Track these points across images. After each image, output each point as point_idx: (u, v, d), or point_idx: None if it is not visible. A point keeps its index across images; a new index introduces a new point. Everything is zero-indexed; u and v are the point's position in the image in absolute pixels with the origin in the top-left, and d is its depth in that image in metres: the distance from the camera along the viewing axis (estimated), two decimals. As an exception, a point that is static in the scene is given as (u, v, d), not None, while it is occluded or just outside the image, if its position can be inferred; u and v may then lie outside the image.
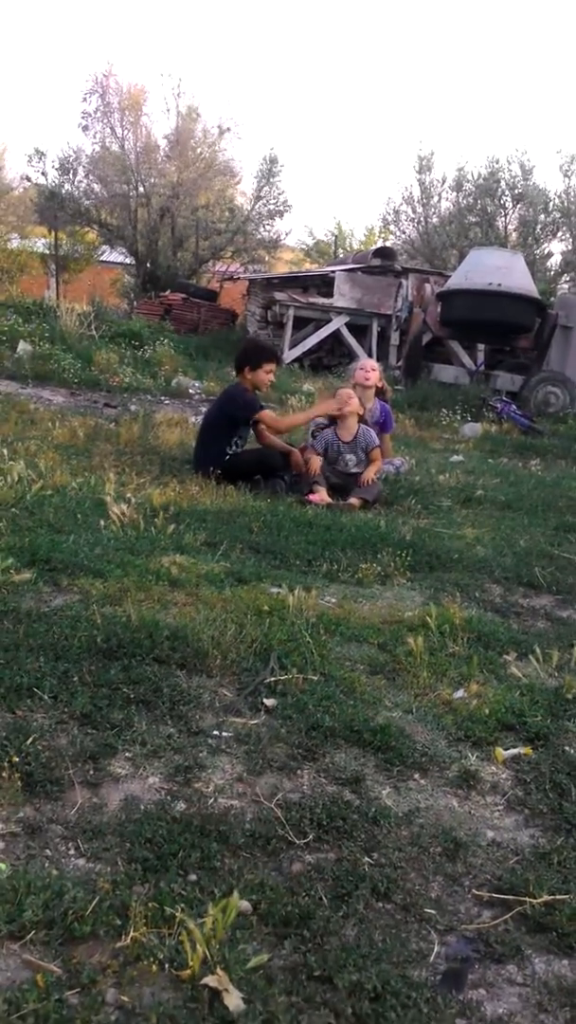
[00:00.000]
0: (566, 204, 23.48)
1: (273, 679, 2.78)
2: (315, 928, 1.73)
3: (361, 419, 6.20)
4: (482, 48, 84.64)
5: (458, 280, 14.05)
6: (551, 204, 23.52)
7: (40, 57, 72.68)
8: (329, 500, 5.65)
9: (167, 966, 1.58)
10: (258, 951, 1.65)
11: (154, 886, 1.78)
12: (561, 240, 24.17)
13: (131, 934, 1.62)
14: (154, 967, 1.57)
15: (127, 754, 2.28)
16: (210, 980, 1.53)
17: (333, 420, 6.16)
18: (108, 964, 1.56)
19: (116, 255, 26.48)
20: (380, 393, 6.87)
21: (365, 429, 6.17)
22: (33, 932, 1.61)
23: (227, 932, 1.64)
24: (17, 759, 2.12)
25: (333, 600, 3.71)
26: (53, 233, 24.56)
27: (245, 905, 1.74)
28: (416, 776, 2.40)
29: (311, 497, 5.66)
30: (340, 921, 1.77)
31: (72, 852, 1.88)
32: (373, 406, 6.72)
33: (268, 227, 24.29)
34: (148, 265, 23.20)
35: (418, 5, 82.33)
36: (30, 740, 2.22)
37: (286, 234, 25.35)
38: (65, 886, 1.72)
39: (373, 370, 6.71)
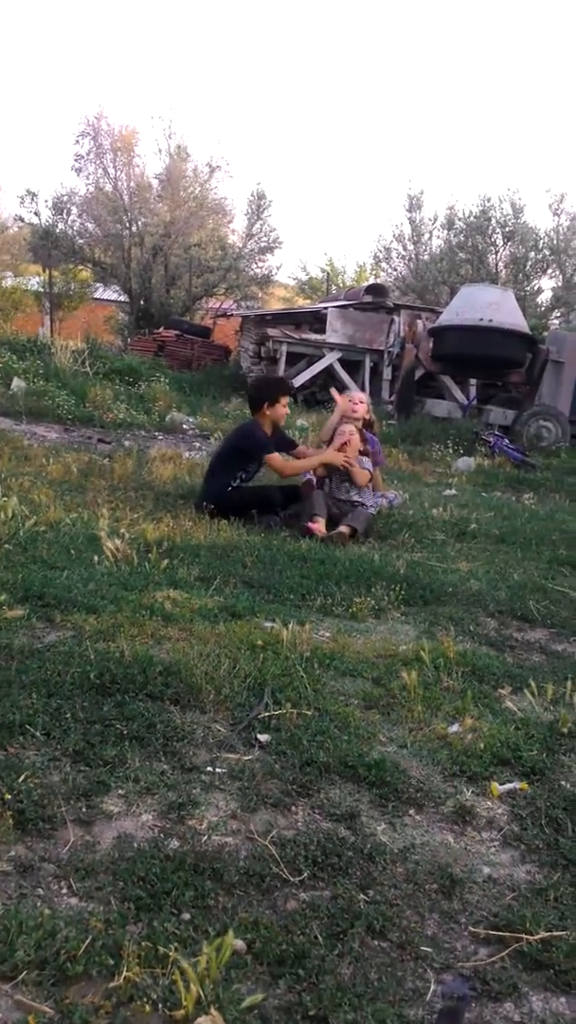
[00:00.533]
0: (555, 242, 23.77)
1: (267, 714, 2.77)
2: (310, 967, 1.71)
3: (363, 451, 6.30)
4: (472, 88, 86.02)
5: (449, 316, 14.18)
6: (541, 242, 23.81)
7: (32, 100, 73.65)
8: (324, 532, 5.66)
9: (160, 1006, 1.56)
10: (253, 991, 1.63)
11: (147, 925, 1.76)
12: (551, 277, 24.44)
13: (124, 974, 1.60)
14: (147, 1007, 1.55)
15: (120, 791, 2.26)
16: (204, 1020, 1.51)
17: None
18: (101, 1004, 1.54)
19: (110, 293, 26.69)
20: (368, 426, 6.92)
21: (361, 459, 6.27)
22: (25, 972, 1.59)
23: (221, 971, 1.62)
24: (9, 796, 2.10)
25: (327, 634, 3.71)
26: (47, 271, 24.76)
27: (239, 944, 1.73)
28: (411, 812, 2.39)
29: (310, 526, 5.67)
30: (335, 960, 1.75)
31: (65, 891, 1.87)
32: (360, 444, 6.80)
33: (260, 263, 24.54)
34: (142, 302, 23.38)
35: (409, 44, 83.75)
36: (22, 777, 2.20)
37: (277, 269, 25.60)
38: (57, 925, 1.70)
39: (361, 402, 6.78)
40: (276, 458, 6.06)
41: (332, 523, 5.85)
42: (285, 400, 6.18)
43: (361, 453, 6.30)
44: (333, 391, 7.38)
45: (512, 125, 78.04)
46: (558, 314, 24.18)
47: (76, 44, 77.77)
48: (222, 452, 6.28)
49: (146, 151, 36.40)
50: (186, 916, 1.81)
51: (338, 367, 15.91)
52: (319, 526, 5.70)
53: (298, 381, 15.67)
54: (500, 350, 13.49)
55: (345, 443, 6.17)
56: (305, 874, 2.03)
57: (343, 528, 5.71)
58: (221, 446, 6.46)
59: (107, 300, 27.55)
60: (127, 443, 9.27)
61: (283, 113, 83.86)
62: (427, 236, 25.84)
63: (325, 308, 16.82)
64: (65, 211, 23.76)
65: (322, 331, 16.04)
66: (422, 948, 1.83)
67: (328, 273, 30.14)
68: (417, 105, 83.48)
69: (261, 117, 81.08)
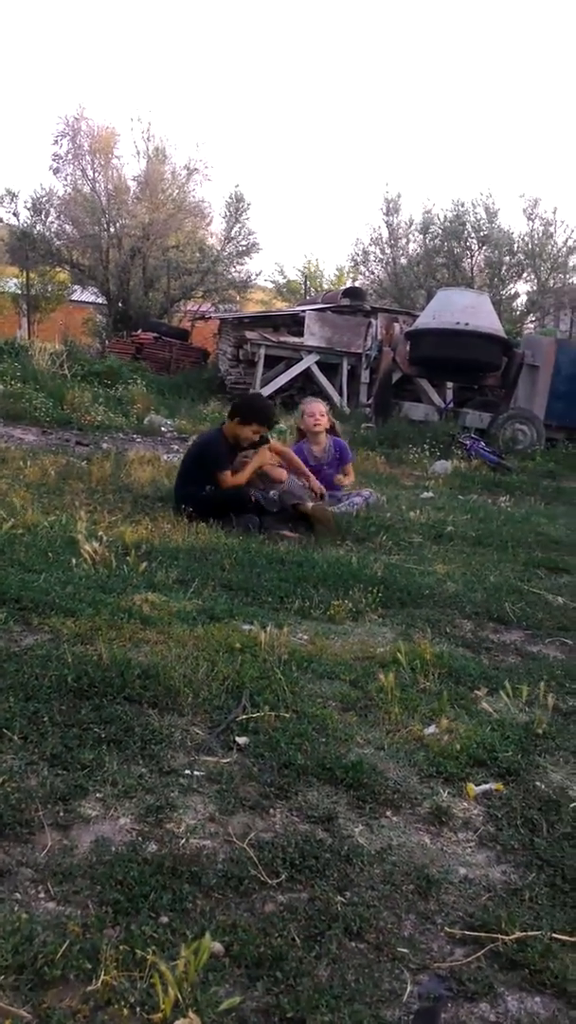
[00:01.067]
0: (530, 246, 23.94)
1: (245, 717, 2.78)
2: (288, 969, 1.72)
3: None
4: (448, 91, 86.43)
5: (426, 320, 14.24)
6: (516, 246, 23.98)
7: (11, 100, 73.32)
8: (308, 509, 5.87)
9: (138, 1010, 1.56)
10: (230, 993, 1.64)
11: (125, 929, 1.76)
12: (526, 281, 24.64)
13: (102, 978, 1.60)
14: (125, 1011, 1.55)
15: (98, 795, 2.26)
16: (182, 1023, 1.52)
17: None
18: (79, 1009, 1.54)
19: (88, 295, 26.60)
20: (331, 430, 6.97)
21: (331, 456, 6.70)
22: (2, 977, 1.59)
23: (199, 974, 1.62)
24: (-14, 801, 2.10)
25: (305, 637, 3.72)
26: (25, 273, 24.66)
27: (217, 947, 1.73)
28: (388, 813, 2.40)
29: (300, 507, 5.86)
30: (313, 961, 1.76)
31: (42, 895, 1.86)
32: (327, 445, 6.83)
33: (239, 266, 24.56)
34: (120, 305, 23.34)
35: (386, 49, 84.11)
36: (-1, 781, 2.20)
37: (256, 274, 25.66)
38: (35, 930, 1.70)
39: (322, 415, 6.81)
40: (225, 477, 5.96)
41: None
42: (255, 429, 6.09)
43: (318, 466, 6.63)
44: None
45: (487, 129, 78.55)
46: (533, 318, 24.37)
47: (56, 44, 77.53)
48: (188, 464, 6.20)
49: (125, 153, 36.21)
50: (164, 919, 1.81)
51: (316, 370, 15.95)
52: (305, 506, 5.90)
53: (276, 384, 15.71)
54: (476, 354, 13.55)
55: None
56: (283, 876, 2.03)
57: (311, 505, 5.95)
58: (187, 456, 6.38)
59: (85, 302, 27.47)
60: (105, 446, 9.24)
61: (262, 117, 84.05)
62: (404, 240, 25.96)
63: (303, 311, 16.87)
64: (43, 212, 23.68)
65: (300, 334, 16.08)
66: (399, 949, 1.84)
67: (306, 276, 30.20)
68: (394, 108, 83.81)
69: (240, 121, 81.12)
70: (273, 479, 6.12)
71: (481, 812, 2.46)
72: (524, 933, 1.91)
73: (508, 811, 2.46)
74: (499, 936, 1.90)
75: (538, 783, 2.63)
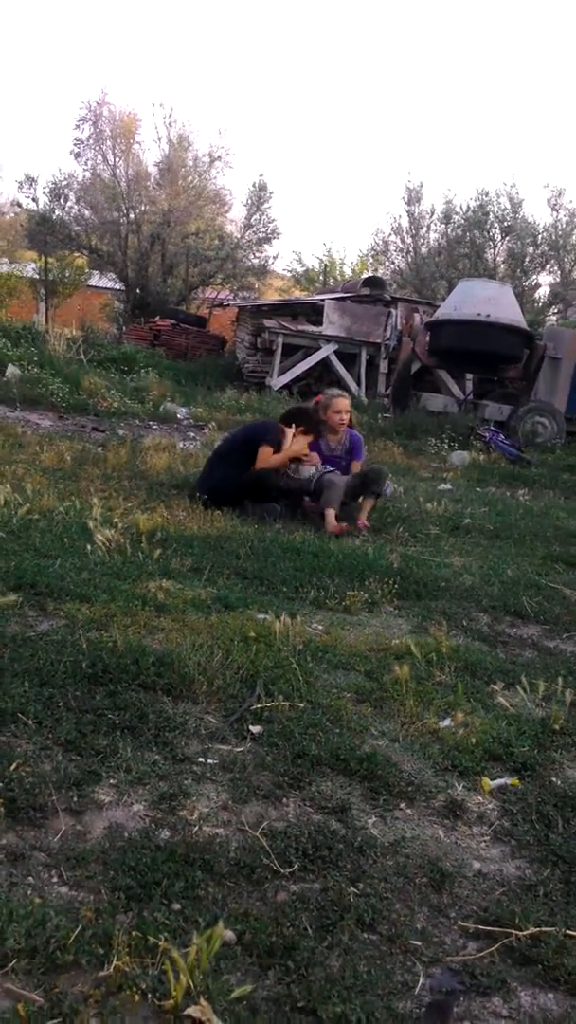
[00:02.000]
0: (554, 237, 23.75)
1: (259, 706, 2.77)
2: (300, 959, 1.71)
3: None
4: (471, 81, 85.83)
5: (447, 310, 14.16)
6: (539, 237, 23.79)
7: (32, 84, 73.29)
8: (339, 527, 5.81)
9: (150, 996, 1.56)
10: (242, 981, 1.63)
11: (137, 915, 1.76)
12: (549, 272, 24.43)
13: (114, 963, 1.60)
14: (137, 997, 1.55)
15: (111, 781, 2.26)
16: (193, 1011, 1.51)
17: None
18: (90, 994, 1.54)
19: (106, 280, 26.57)
20: (349, 422, 6.91)
21: (352, 433, 6.70)
22: (15, 961, 1.59)
23: (211, 962, 1.62)
24: (1, 785, 2.10)
25: (320, 627, 3.71)
26: (43, 258, 24.66)
27: (229, 935, 1.73)
28: (402, 805, 2.39)
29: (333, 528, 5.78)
30: (325, 952, 1.75)
31: (55, 880, 1.86)
32: (343, 437, 6.76)
33: (258, 254, 24.47)
34: (138, 291, 23.30)
35: (409, 37, 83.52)
36: (14, 766, 2.20)
37: (274, 259, 25.52)
38: (48, 914, 1.70)
39: (347, 412, 6.74)
40: (268, 452, 6.04)
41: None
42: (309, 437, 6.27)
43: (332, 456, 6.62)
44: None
45: (511, 119, 78.00)
46: (556, 310, 24.19)
47: (79, 29, 77.39)
48: (233, 443, 6.28)
49: (146, 139, 36.14)
50: (176, 906, 1.81)
51: (334, 359, 15.88)
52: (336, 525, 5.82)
53: (294, 373, 15.67)
54: (497, 345, 13.47)
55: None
56: (295, 866, 2.03)
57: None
58: (231, 439, 6.47)
59: (103, 288, 27.45)
60: (121, 432, 9.24)
61: (284, 105, 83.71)
62: (425, 229, 25.79)
63: (322, 300, 16.78)
64: (62, 197, 23.64)
65: (319, 323, 16.00)
66: (411, 941, 1.84)
67: (326, 265, 30.09)
68: (417, 97, 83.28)
69: (262, 108, 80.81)
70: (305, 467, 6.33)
71: (496, 807, 2.45)
72: (538, 929, 1.90)
73: (523, 806, 2.44)
74: (513, 931, 1.89)
75: (554, 779, 2.62)
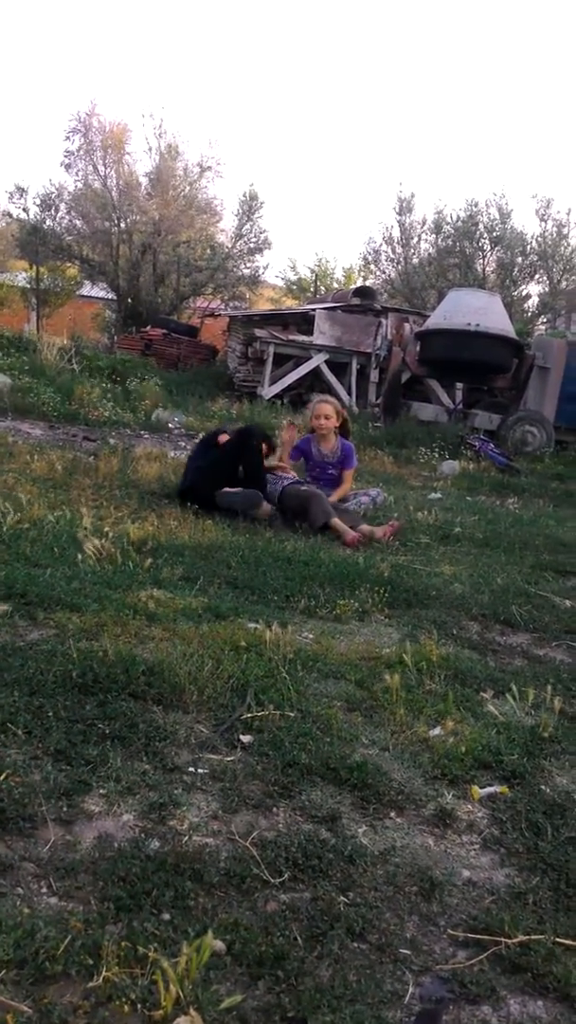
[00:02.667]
0: (543, 247, 23.89)
1: (249, 715, 2.77)
2: (289, 968, 1.71)
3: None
4: (461, 92, 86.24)
5: (437, 320, 14.22)
6: (528, 247, 23.93)
7: (22, 95, 73.40)
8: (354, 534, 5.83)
9: (139, 1006, 1.55)
10: (232, 991, 1.63)
11: (127, 925, 1.76)
12: (538, 282, 24.59)
13: (103, 974, 1.59)
14: (126, 1007, 1.54)
15: (101, 791, 2.25)
16: (183, 1021, 1.51)
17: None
18: (80, 1004, 1.54)
19: (97, 290, 26.60)
20: (344, 430, 6.86)
21: (343, 443, 6.76)
22: (4, 971, 1.58)
23: (201, 972, 1.62)
24: (-10, 795, 2.09)
25: (311, 636, 3.71)
26: (34, 267, 24.67)
27: (219, 945, 1.73)
28: (392, 814, 2.39)
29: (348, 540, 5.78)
30: (315, 961, 1.75)
31: (44, 890, 1.86)
32: (335, 445, 6.74)
33: (249, 264, 24.54)
34: (129, 300, 23.34)
35: (400, 48, 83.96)
36: (3, 776, 2.19)
37: (265, 269, 25.60)
38: (37, 925, 1.70)
39: (327, 417, 6.68)
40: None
41: (295, 514, 6.15)
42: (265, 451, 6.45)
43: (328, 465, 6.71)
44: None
45: (501, 130, 78.41)
46: (545, 319, 24.31)
47: (68, 40, 77.56)
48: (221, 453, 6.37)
49: (136, 149, 36.15)
50: (166, 916, 1.81)
51: (325, 369, 15.93)
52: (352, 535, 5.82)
53: (285, 382, 15.70)
54: (486, 355, 13.52)
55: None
56: (285, 875, 2.03)
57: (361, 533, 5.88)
58: (221, 455, 6.50)
59: (94, 297, 27.48)
60: (112, 441, 9.24)
61: (274, 115, 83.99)
62: (416, 240, 25.91)
63: (313, 310, 16.84)
64: (53, 207, 23.67)
65: (310, 332, 16.06)
66: (401, 950, 1.84)
67: (317, 275, 30.17)
68: (408, 108, 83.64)
69: (252, 118, 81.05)
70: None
71: (486, 815, 2.46)
72: (527, 937, 1.90)
73: (513, 814, 2.45)
74: (502, 939, 1.89)
75: (543, 787, 2.62)
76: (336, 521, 5.89)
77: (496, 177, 66.28)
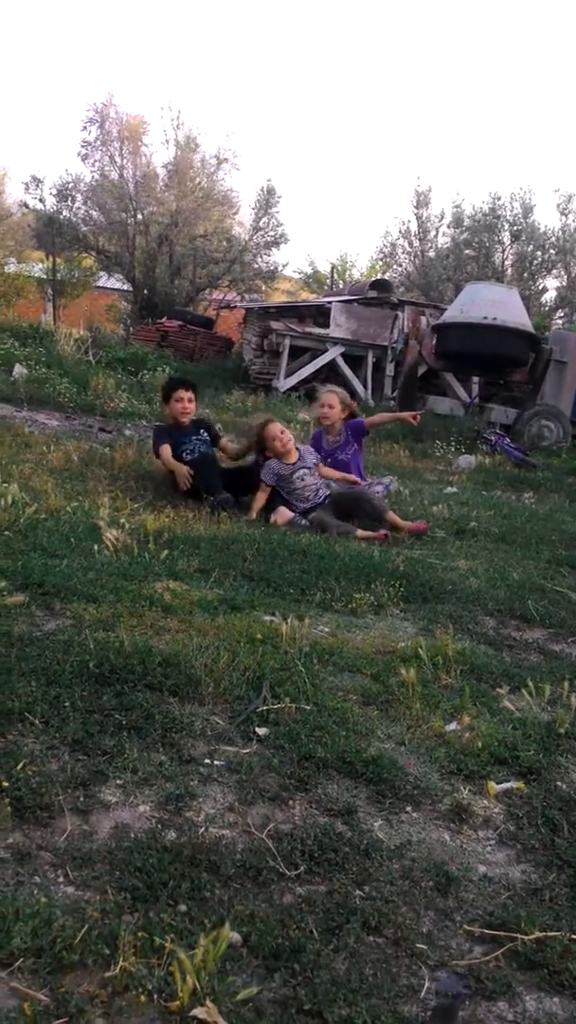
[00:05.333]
0: (562, 242, 23.76)
1: (265, 708, 2.77)
2: (305, 961, 1.71)
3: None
4: (481, 85, 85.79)
5: (454, 313, 14.16)
6: (548, 241, 23.80)
7: (40, 85, 73.46)
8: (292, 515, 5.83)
9: (156, 997, 1.56)
10: (248, 983, 1.64)
11: (144, 916, 1.76)
12: (556, 277, 24.48)
13: (120, 964, 1.60)
14: (143, 998, 1.55)
15: (118, 781, 2.26)
16: (199, 1012, 1.52)
17: (266, 457, 6.26)
18: (96, 994, 1.55)
19: (113, 281, 26.64)
20: (350, 415, 6.83)
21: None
22: (21, 960, 1.59)
23: (217, 963, 1.62)
24: (7, 784, 2.10)
25: (326, 629, 3.71)
26: (51, 258, 24.71)
27: (235, 937, 1.73)
28: (408, 809, 2.39)
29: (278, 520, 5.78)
30: (330, 954, 1.75)
31: (61, 879, 1.87)
32: (339, 436, 6.74)
33: (266, 257, 24.51)
34: (145, 292, 23.36)
35: (419, 41, 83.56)
36: (20, 765, 2.20)
37: (283, 266, 25.61)
38: (54, 914, 1.70)
39: (331, 407, 6.69)
40: (163, 451, 6.38)
41: (346, 515, 5.95)
42: (178, 396, 6.56)
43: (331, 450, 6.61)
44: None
45: (521, 124, 77.98)
46: (562, 314, 24.20)
47: (86, 30, 77.49)
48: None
49: (153, 140, 36.07)
50: (182, 908, 1.81)
51: (341, 362, 15.89)
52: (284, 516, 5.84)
53: (300, 375, 15.67)
54: (503, 349, 13.47)
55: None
56: (301, 868, 2.03)
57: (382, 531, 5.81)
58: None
59: (110, 289, 27.52)
60: (128, 432, 9.24)
61: (292, 107, 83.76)
62: (433, 233, 25.83)
63: (329, 302, 16.79)
64: (70, 198, 23.72)
65: (326, 325, 16.02)
66: (417, 945, 1.84)
67: (334, 268, 30.11)
68: (426, 101, 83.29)
69: (270, 111, 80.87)
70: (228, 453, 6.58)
71: (501, 811, 2.45)
72: (544, 933, 1.90)
73: (529, 810, 2.44)
74: (518, 935, 1.89)
75: (559, 783, 2.61)
76: (392, 516, 5.93)
77: (516, 172, 65.90)
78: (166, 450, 6.34)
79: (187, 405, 6.58)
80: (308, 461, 6.23)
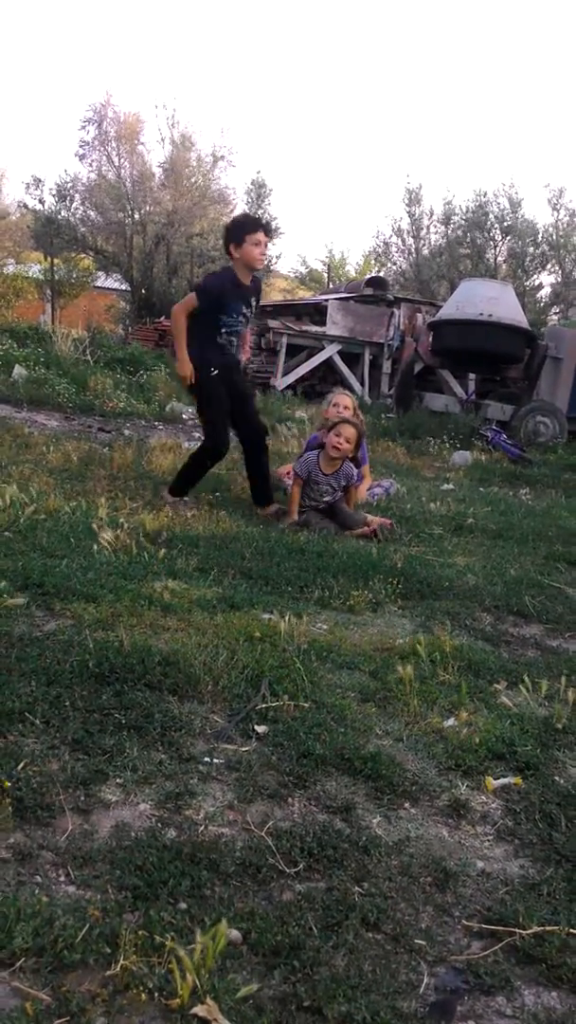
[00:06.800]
0: (555, 237, 23.77)
1: (264, 706, 2.78)
2: (305, 958, 1.72)
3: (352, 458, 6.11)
4: (470, 82, 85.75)
5: (449, 310, 14.17)
6: (540, 237, 23.81)
7: (37, 87, 73.39)
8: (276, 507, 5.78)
9: (156, 995, 1.57)
10: (248, 981, 1.65)
11: (144, 914, 1.77)
12: (550, 272, 24.49)
13: (121, 962, 1.61)
14: (143, 996, 1.56)
15: (118, 780, 2.27)
16: (199, 1010, 1.53)
17: (321, 445, 6.04)
18: (97, 993, 1.56)
19: (111, 281, 26.66)
20: (357, 449, 6.78)
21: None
22: (23, 959, 1.60)
23: (217, 961, 1.63)
24: (8, 784, 2.11)
25: (324, 627, 3.72)
26: (49, 259, 24.72)
27: (235, 934, 1.74)
28: (406, 805, 2.40)
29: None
30: (330, 951, 1.77)
31: (62, 879, 1.88)
32: (334, 472, 6.68)
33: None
34: (143, 291, 23.37)
35: (409, 38, 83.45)
36: (21, 765, 2.21)
37: (277, 259, 25.61)
38: (55, 913, 1.72)
39: (346, 408, 6.42)
40: (187, 300, 5.65)
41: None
42: (255, 239, 5.62)
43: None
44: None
45: (510, 119, 77.97)
46: (557, 310, 24.21)
47: (83, 32, 77.41)
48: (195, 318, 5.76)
49: (150, 139, 36.19)
50: (182, 905, 1.82)
51: (338, 360, 15.90)
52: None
53: (298, 373, 15.68)
54: (499, 345, 13.48)
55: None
56: (301, 865, 2.04)
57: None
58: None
59: (108, 289, 27.53)
60: (127, 432, 9.26)
61: (285, 105, 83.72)
62: (425, 231, 25.85)
63: (326, 300, 16.80)
64: (68, 198, 23.74)
65: (322, 323, 16.03)
66: (416, 941, 1.85)
67: (329, 266, 30.11)
68: (416, 98, 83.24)
69: (264, 108, 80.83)
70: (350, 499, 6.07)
71: (499, 806, 2.46)
72: (542, 928, 1.91)
73: (527, 805, 2.45)
74: (516, 930, 1.90)
75: (557, 778, 2.63)
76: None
77: (506, 167, 66.12)
78: (188, 307, 5.57)
79: (265, 251, 5.70)
80: (340, 482, 5.95)
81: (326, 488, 5.91)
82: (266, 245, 5.68)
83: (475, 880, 2.10)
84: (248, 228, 5.65)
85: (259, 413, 6.20)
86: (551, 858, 2.22)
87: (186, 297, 5.75)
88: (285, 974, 1.68)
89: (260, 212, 24.35)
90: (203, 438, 6.00)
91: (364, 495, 6.63)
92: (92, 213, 23.74)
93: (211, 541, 4.82)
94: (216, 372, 5.69)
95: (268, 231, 5.80)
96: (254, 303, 5.87)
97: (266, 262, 5.60)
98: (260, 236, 5.62)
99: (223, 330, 5.66)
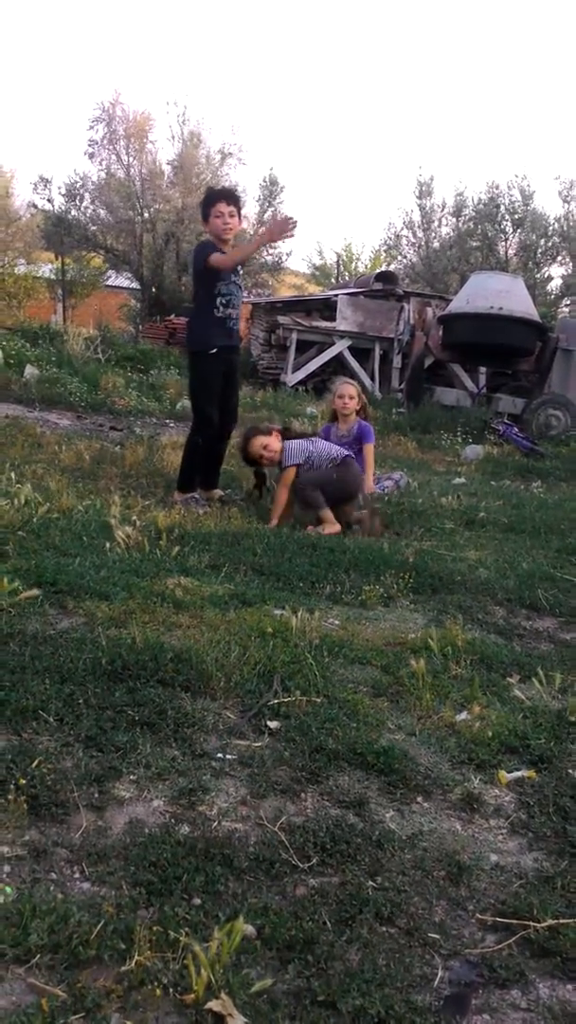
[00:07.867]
0: (566, 229, 23.67)
1: (276, 701, 2.79)
2: (319, 952, 1.73)
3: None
4: (481, 74, 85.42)
5: (459, 304, 14.13)
6: (551, 229, 23.71)
7: (46, 86, 73.49)
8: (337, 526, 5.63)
9: (171, 990, 1.58)
10: (262, 975, 1.65)
11: (159, 910, 1.78)
12: (561, 264, 24.39)
13: (136, 958, 1.62)
14: (158, 991, 1.57)
15: (132, 777, 2.28)
16: (214, 1005, 1.53)
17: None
18: (113, 988, 1.56)
19: (122, 280, 26.71)
20: (362, 411, 6.88)
21: (362, 423, 6.77)
22: (38, 956, 1.61)
23: (231, 956, 1.64)
24: (23, 782, 2.12)
25: (336, 622, 3.72)
26: (60, 258, 24.78)
27: (249, 929, 1.74)
28: (419, 799, 2.40)
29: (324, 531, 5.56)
30: (344, 945, 1.77)
31: (77, 875, 1.89)
32: (352, 426, 6.77)
33: (271, 249, 24.48)
34: (153, 289, 23.39)
35: (420, 30, 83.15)
36: (36, 763, 2.22)
37: (288, 255, 25.58)
38: (70, 910, 1.72)
39: (351, 398, 6.78)
40: (217, 256, 5.64)
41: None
42: (219, 210, 5.68)
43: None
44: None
45: (522, 111, 77.59)
46: (568, 302, 24.10)
47: (92, 31, 77.49)
48: (193, 294, 6.00)
49: (159, 137, 36.26)
50: (197, 901, 1.83)
51: (348, 355, 15.89)
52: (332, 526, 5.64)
53: (308, 369, 15.67)
54: (510, 338, 13.44)
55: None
56: (314, 860, 2.04)
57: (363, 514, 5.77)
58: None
59: (119, 287, 27.58)
60: (138, 430, 9.28)
61: (295, 100, 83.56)
62: (437, 223, 25.76)
63: (335, 296, 16.79)
64: (78, 198, 23.79)
65: (332, 319, 16.02)
66: (430, 934, 1.85)
67: (340, 260, 30.07)
68: (427, 91, 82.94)
69: (273, 104, 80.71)
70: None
71: (513, 799, 2.46)
72: (556, 921, 1.91)
73: (540, 798, 2.45)
74: (531, 923, 1.90)
75: (570, 771, 2.62)
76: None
77: (517, 159, 65.69)
78: (217, 259, 5.61)
79: (228, 220, 5.69)
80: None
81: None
82: (231, 214, 5.70)
83: (489, 873, 2.10)
84: (210, 201, 5.78)
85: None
86: (565, 851, 2.22)
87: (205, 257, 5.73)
88: (299, 968, 1.69)
89: (272, 210, 24.29)
90: (192, 424, 6.16)
91: (372, 486, 6.66)
92: (102, 212, 23.77)
93: (223, 538, 4.83)
94: (215, 351, 5.86)
95: (229, 198, 5.81)
96: (240, 270, 5.98)
97: (236, 230, 5.57)
98: (221, 207, 5.68)
99: (220, 301, 5.75)
